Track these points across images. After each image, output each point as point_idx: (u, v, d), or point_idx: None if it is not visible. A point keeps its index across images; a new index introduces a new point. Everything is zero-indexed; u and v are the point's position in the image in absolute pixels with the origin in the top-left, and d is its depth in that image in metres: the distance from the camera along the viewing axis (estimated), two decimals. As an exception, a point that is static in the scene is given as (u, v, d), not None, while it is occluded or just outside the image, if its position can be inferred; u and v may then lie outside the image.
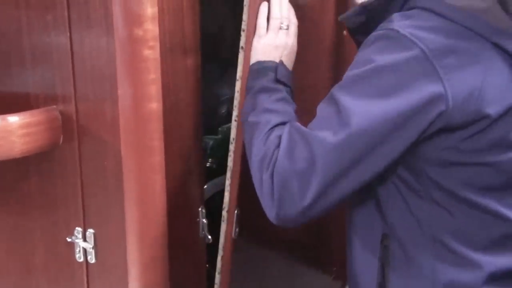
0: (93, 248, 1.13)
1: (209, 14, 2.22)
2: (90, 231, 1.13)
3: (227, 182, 1.12)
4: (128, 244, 1.07)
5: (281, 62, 1.07)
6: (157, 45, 1.03)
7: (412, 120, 0.85)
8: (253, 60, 1.08)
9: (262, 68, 1.06)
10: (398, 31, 0.86)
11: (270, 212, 0.90)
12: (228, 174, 1.12)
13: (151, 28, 1.02)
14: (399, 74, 0.85)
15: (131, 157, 1.05)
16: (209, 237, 1.22)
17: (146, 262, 1.09)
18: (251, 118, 1.00)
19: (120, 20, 1.01)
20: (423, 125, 0.85)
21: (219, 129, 2.11)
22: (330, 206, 0.89)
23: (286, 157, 0.88)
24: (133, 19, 1.01)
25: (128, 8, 1.01)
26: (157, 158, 1.06)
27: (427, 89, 0.84)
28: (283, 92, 1.04)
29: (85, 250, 1.14)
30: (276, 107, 1.00)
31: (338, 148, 0.85)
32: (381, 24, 0.92)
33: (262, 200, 0.92)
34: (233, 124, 1.10)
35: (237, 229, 1.14)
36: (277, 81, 1.05)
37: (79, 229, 1.14)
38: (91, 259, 1.14)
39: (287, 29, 1.11)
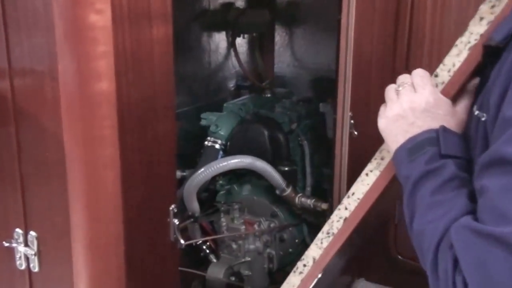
0: (35, 254, 0.92)
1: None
2: (32, 234, 0.91)
3: (321, 235, 0.91)
4: (74, 254, 0.85)
5: (443, 128, 0.77)
6: (107, 8, 0.79)
7: None
8: (393, 143, 0.81)
9: (416, 146, 0.78)
10: None
11: None
12: (326, 227, 0.89)
13: (98, -13, 0.78)
14: None
15: (76, 148, 0.82)
16: (182, 241, 0.99)
17: (97, 275, 0.87)
18: (416, 226, 0.73)
19: (58, -24, 0.77)
20: None
21: (225, 105, 1.88)
22: None
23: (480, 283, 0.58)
24: (74, -26, 0.77)
25: (68, -39, 0.77)
26: (109, 150, 0.83)
27: None
28: (451, 168, 0.74)
29: (27, 257, 0.93)
30: (440, 198, 0.72)
31: None
32: None
33: None
34: (361, 179, 0.88)
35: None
36: (443, 156, 0.75)
37: (19, 231, 0.92)
38: (34, 267, 0.92)
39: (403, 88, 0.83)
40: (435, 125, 0.78)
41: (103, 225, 0.85)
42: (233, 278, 1.72)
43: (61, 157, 0.82)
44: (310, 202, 1.70)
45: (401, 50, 1.45)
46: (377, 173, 0.89)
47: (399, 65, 1.46)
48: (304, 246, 1.87)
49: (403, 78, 0.84)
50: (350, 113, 1.44)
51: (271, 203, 1.79)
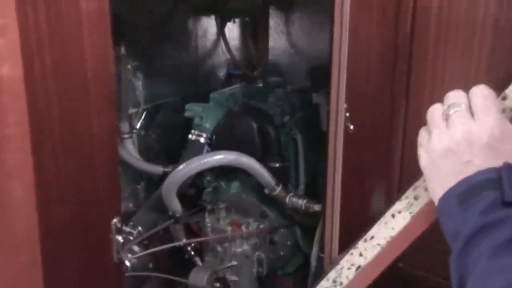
0: None
1: None
2: None
3: (326, 283, 0.74)
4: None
5: (509, 166, 0.56)
6: None
7: None
8: (439, 185, 0.59)
9: (469, 190, 0.56)
10: None
11: None
12: (333, 274, 0.70)
13: None
14: None
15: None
16: (128, 264, 0.77)
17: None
18: None
19: None
20: None
21: (211, 95, 1.65)
22: None
23: None
24: None
25: None
26: (16, 155, 0.61)
27: None
28: None
29: None
30: (503, 262, 0.51)
31: None
32: None
33: None
34: (383, 220, 0.69)
35: None
36: (506, 204, 0.54)
37: None
38: None
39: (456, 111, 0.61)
40: (498, 164, 0.56)
41: (11, 253, 0.63)
42: (217, 285, 1.50)
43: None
44: (301, 202, 1.48)
45: (403, 36, 1.23)
46: (406, 216, 0.67)
47: (402, 51, 1.24)
48: (296, 248, 1.65)
49: (455, 96, 0.61)
50: (345, 105, 1.22)
51: (261, 203, 1.57)
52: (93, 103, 0.69)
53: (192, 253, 1.62)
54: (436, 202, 0.59)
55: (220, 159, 1.41)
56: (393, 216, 0.66)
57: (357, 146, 1.25)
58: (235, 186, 1.61)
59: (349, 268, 0.71)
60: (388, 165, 1.29)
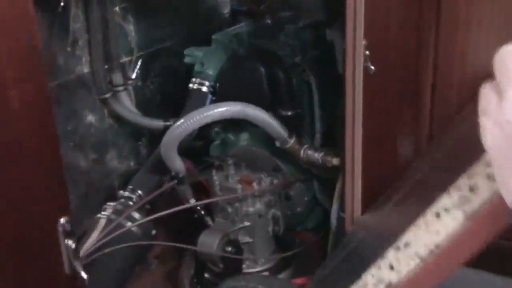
0: None
1: None
2: None
3: None
4: None
5: None
6: None
7: None
8: None
9: None
10: None
11: None
12: None
13: None
14: None
15: None
16: (84, 275, 0.58)
17: None
18: None
19: None
20: None
21: (213, 37, 1.43)
22: None
23: None
24: None
25: None
26: None
27: None
28: None
29: None
30: None
31: None
32: None
33: None
34: (423, 221, 0.47)
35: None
36: None
37: None
38: None
39: None
40: None
41: None
42: (229, 249, 1.34)
43: None
44: (318, 155, 1.28)
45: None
46: (459, 216, 0.45)
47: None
48: (315, 203, 1.46)
49: None
50: (364, 42, 1.01)
51: (274, 155, 1.38)
52: (5, 67, 0.48)
53: (202, 212, 1.45)
54: (509, 200, 0.38)
55: (223, 112, 1.21)
56: (437, 215, 0.45)
57: (379, 90, 1.05)
58: (244, 138, 1.41)
59: (375, 285, 0.51)
60: (416, 111, 1.09)
